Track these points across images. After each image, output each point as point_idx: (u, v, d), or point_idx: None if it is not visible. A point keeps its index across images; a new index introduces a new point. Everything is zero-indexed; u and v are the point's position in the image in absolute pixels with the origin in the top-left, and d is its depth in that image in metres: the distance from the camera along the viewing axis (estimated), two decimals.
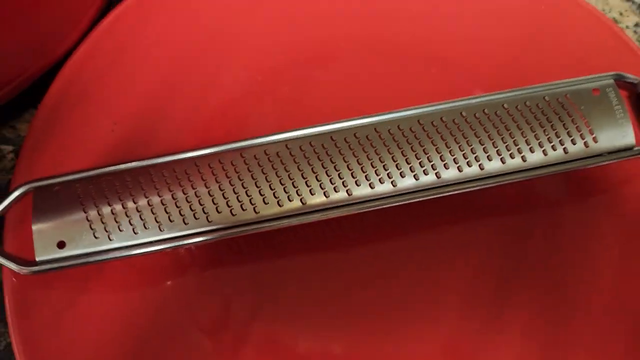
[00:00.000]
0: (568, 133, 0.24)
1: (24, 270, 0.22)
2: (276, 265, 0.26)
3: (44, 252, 0.22)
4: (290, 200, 0.23)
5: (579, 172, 0.26)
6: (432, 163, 0.23)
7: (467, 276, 0.26)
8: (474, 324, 0.25)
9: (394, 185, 0.23)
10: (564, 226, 0.26)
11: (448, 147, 0.23)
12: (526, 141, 0.23)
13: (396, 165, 0.23)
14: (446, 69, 0.29)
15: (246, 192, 0.22)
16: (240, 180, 0.23)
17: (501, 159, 0.23)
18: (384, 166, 0.23)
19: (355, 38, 0.30)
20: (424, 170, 0.23)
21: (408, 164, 0.23)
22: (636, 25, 0.32)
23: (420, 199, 0.23)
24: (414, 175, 0.23)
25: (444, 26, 0.29)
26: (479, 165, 0.23)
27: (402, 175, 0.23)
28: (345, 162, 0.23)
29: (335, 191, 0.23)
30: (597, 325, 0.25)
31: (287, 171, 0.23)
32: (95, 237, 0.22)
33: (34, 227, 0.22)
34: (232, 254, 0.26)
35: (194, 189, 0.22)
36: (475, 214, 0.27)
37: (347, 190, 0.23)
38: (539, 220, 0.27)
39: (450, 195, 0.23)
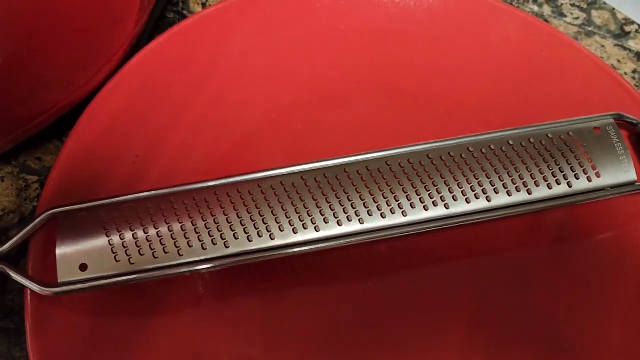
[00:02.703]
0: (571, 168, 0.25)
1: (45, 291, 0.23)
2: (282, 295, 0.26)
3: (67, 274, 0.23)
4: (305, 229, 0.23)
5: (585, 210, 0.27)
6: (441, 195, 0.24)
7: (469, 313, 0.26)
8: None
9: (404, 216, 0.24)
10: (567, 265, 0.27)
11: (456, 180, 0.24)
12: (531, 175, 0.25)
13: (406, 197, 0.24)
14: (453, 111, 0.30)
15: (263, 220, 0.23)
16: (258, 208, 0.24)
17: (507, 192, 0.24)
18: (394, 197, 0.24)
19: (366, 80, 0.31)
20: (433, 202, 0.24)
21: (418, 195, 0.24)
22: (634, 71, 0.34)
23: (429, 229, 0.24)
24: (424, 207, 0.24)
25: (451, 71, 0.31)
26: (487, 197, 0.24)
27: (412, 206, 0.24)
28: (358, 192, 0.24)
29: (348, 220, 0.24)
30: None
31: (302, 201, 0.24)
32: (117, 261, 0.23)
33: (58, 250, 0.23)
34: (245, 282, 0.26)
35: (212, 216, 0.23)
36: (480, 249, 0.27)
37: (359, 220, 0.24)
38: (542, 256, 0.27)
39: (458, 226, 0.24)
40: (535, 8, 0.36)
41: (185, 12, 0.35)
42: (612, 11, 0.36)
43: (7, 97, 0.23)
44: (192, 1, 0.35)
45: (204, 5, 0.35)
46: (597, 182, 0.25)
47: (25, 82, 0.24)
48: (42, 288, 0.23)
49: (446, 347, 0.25)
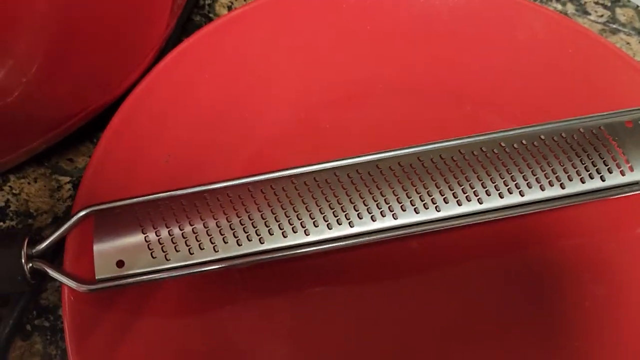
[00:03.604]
0: (604, 162, 0.25)
1: (82, 287, 0.23)
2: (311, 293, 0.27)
3: (104, 271, 0.23)
4: (339, 224, 0.24)
5: (613, 206, 0.27)
6: (474, 190, 0.24)
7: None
8: None
9: (437, 211, 0.24)
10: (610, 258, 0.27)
11: (489, 175, 0.24)
12: (564, 170, 0.25)
13: (439, 192, 0.24)
14: (480, 107, 0.30)
15: (297, 215, 0.24)
16: (292, 204, 0.24)
17: (540, 186, 0.24)
18: (427, 192, 0.24)
19: (392, 79, 0.31)
20: (466, 197, 0.24)
21: (451, 190, 0.24)
22: None
23: (463, 225, 0.24)
24: (457, 202, 0.24)
25: (477, 68, 0.31)
26: (520, 192, 0.24)
27: (445, 201, 0.24)
28: (391, 188, 0.24)
29: (382, 215, 0.24)
30: None
31: (335, 196, 0.24)
32: (153, 257, 0.23)
33: (95, 247, 0.23)
34: (278, 278, 0.26)
35: (247, 212, 0.24)
36: (512, 245, 0.28)
37: (392, 215, 0.24)
38: (579, 251, 0.27)
39: (492, 221, 0.24)
40: (559, 6, 0.36)
41: (211, 14, 0.35)
42: (637, 9, 0.36)
43: (45, 99, 0.24)
44: (218, 4, 0.35)
45: (229, 8, 0.35)
46: (630, 176, 0.25)
47: (63, 84, 0.24)
48: (80, 285, 0.23)
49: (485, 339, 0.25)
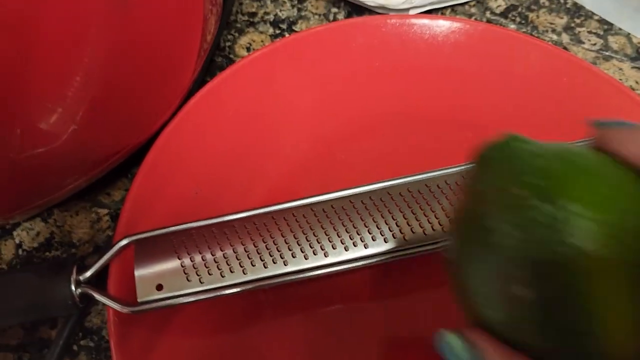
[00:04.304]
0: None
1: (125, 309, 0.25)
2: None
3: (145, 294, 0.25)
4: (355, 246, 0.26)
5: None
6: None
7: None
8: None
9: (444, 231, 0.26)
10: None
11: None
12: None
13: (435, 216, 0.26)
14: (482, 135, 0.33)
15: (317, 240, 0.26)
16: (312, 230, 0.26)
17: None
18: (434, 214, 0.26)
19: (401, 111, 0.34)
20: None
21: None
22: None
23: None
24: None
25: (478, 99, 0.34)
26: None
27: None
28: (401, 212, 0.26)
29: (394, 237, 0.26)
30: None
31: (351, 221, 0.26)
32: (188, 280, 0.26)
33: (136, 272, 0.26)
34: (299, 298, 0.29)
35: (272, 238, 0.26)
36: None
37: (402, 237, 0.26)
38: None
39: None
40: (555, 37, 0.39)
41: (231, 55, 0.38)
42: (628, 36, 0.38)
43: (89, 142, 0.27)
44: (237, 46, 0.39)
45: (248, 49, 0.39)
46: None
47: (105, 128, 0.27)
48: (123, 307, 0.25)
49: None
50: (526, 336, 0.16)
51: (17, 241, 0.32)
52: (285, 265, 0.26)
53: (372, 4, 0.37)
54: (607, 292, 0.14)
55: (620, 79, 0.37)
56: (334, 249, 0.26)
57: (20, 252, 0.32)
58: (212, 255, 0.26)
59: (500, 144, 0.18)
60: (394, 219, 0.26)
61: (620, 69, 0.37)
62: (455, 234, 0.18)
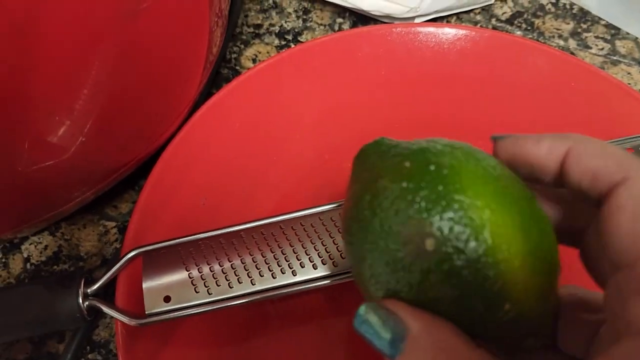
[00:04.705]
0: None
1: (133, 322, 0.25)
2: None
3: (153, 306, 0.25)
4: None
5: None
6: None
7: None
8: None
9: None
10: None
11: None
12: None
13: None
14: (488, 141, 0.33)
15: (325, 249, 0.26)
16: (320, 239, 0.26)
17: None
18: None
19: (407, 118, 0.34)
20: None
21: None
22: None
23: None
24: None
25: (485, 104, 0.33)
26: None
27: None
28: None
29: None
30: None
31: None
32: (196, 292, 0.25)
33: (144, 285, 0.26)
34: (306, 305, 0.28)
35: (280, 247, 0.26)
36: None
37: None
38: None
39: None
40: (561, 42, 0.38)
41: (237, 67, 0.38)
42: (636, 40, 0.38)
43: (96, 154, 0.27)
44: (243, 57, 0.39)
45: (254, 61, 0.39)
46: None
47: (112, 140, 0.27)
48: (131, 319, 0.25)
49: None
50: (432, 294, 0.16)
51: (25, 255, 0.32)
52: (294, 275, 0.26)
53: (378, 14, 0.38)
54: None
55: (629, 83, 0.36)
56: (342, 258, 0.26)
57: (28, 266, 0.32)
58: (220, 266, 0.26)
59: (372, 143, 0.21)
60: None
61: (629, 73, 0.37)
62: (346, 221, 0.19)
